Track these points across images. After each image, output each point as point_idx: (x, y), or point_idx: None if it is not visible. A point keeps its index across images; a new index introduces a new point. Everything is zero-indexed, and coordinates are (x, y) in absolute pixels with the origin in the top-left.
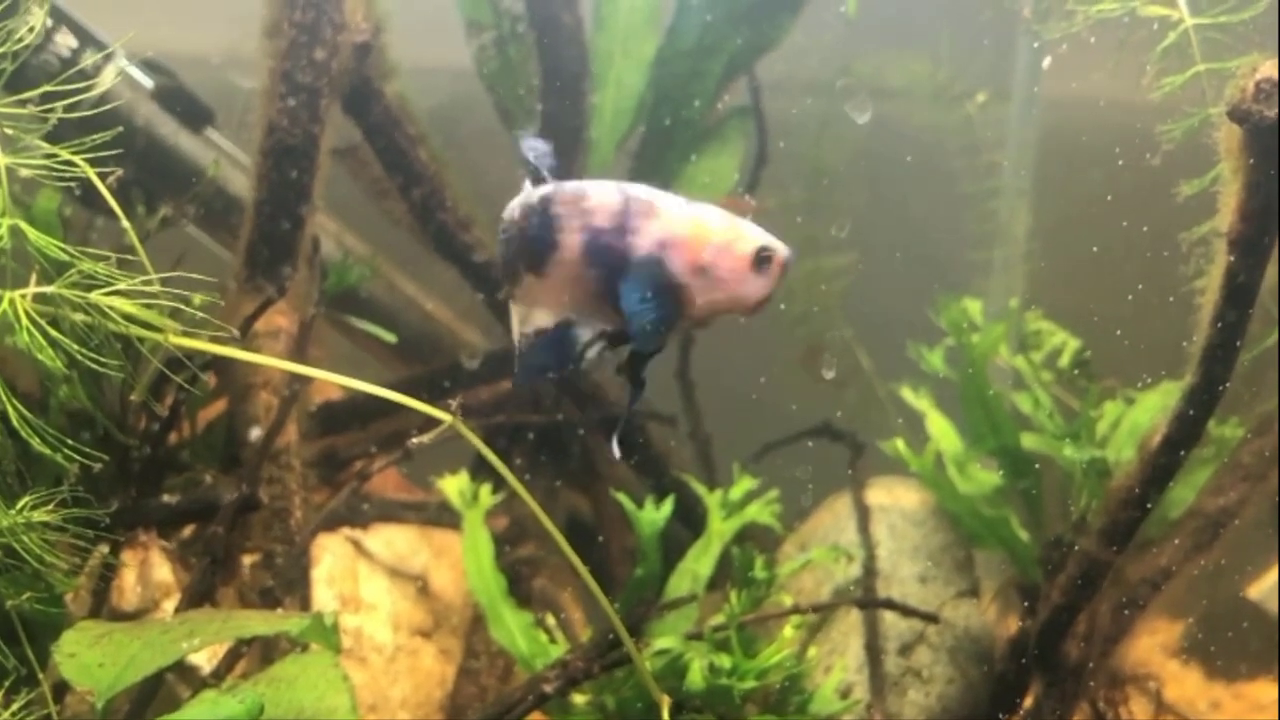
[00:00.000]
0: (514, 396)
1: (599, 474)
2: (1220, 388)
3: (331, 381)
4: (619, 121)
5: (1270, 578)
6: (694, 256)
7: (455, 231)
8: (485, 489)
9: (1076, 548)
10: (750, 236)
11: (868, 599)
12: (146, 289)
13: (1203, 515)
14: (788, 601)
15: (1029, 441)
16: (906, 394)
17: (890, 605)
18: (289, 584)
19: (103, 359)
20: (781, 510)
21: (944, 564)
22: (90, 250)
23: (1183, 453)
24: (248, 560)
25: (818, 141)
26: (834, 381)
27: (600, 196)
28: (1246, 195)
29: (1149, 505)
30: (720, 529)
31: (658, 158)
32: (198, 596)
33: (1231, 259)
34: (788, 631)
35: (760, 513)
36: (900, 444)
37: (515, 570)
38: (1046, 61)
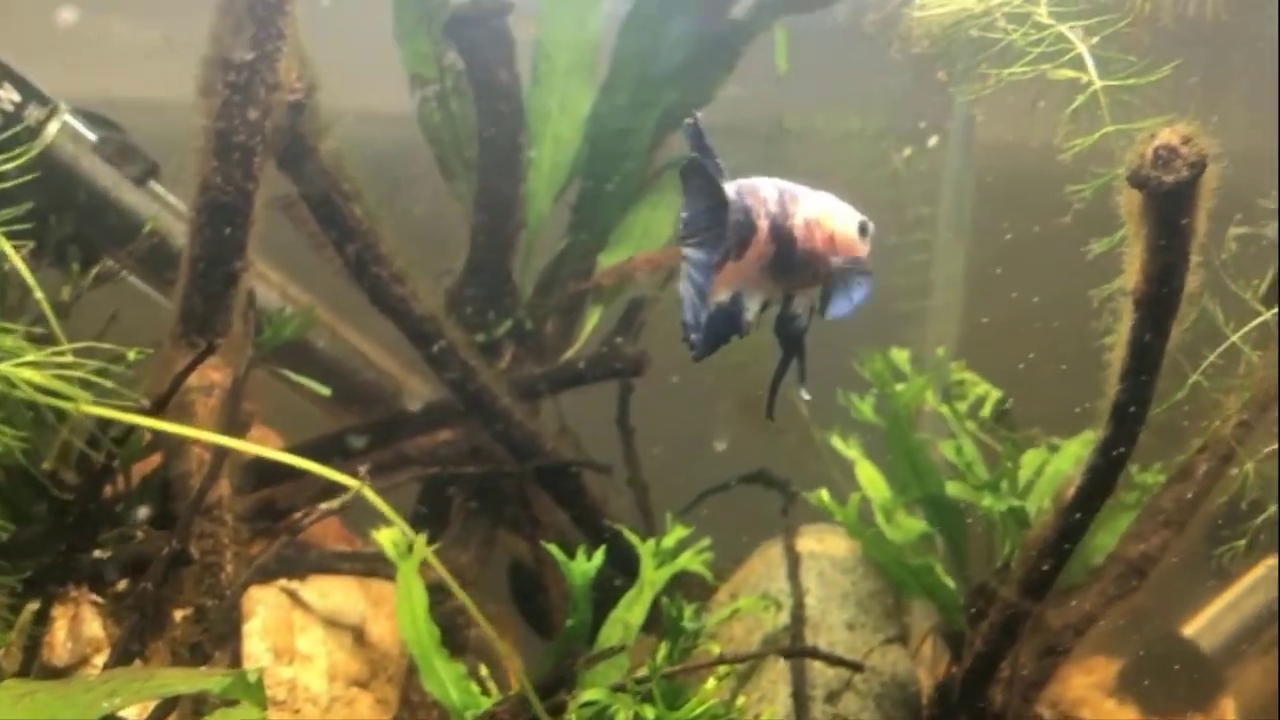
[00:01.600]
0: (453, 445)
1: (539, 521)
2: (1131, 442)
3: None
4: (556, 175)
5: (1205, 615)
6: (832, 230)
7: (390, 285)
8: (420, 539)
9: (998, 596)
10: (850, 210)
11: (792, 648)
12: (58, 359)
13: (1125, 561)
14: (716, 650)
15: (953, 490)
16: (836, 442)
17: (815, 654)
18: (220, 638)
19: (12, 429)
20: (718, 557)
21: (872, 611)
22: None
23: (1096, 504)
24: (179, 615)
25: None
26: (773, 429)
27: (768, 188)
28: (1148, 257)
29: (1065, 555)
30: (652, 578)
31: (594, 210)
32: (127, 653)
33: (1137, 317)
34: (710, 683)
35: (692, 561)
36: (824, 494)
37: (451, 620)
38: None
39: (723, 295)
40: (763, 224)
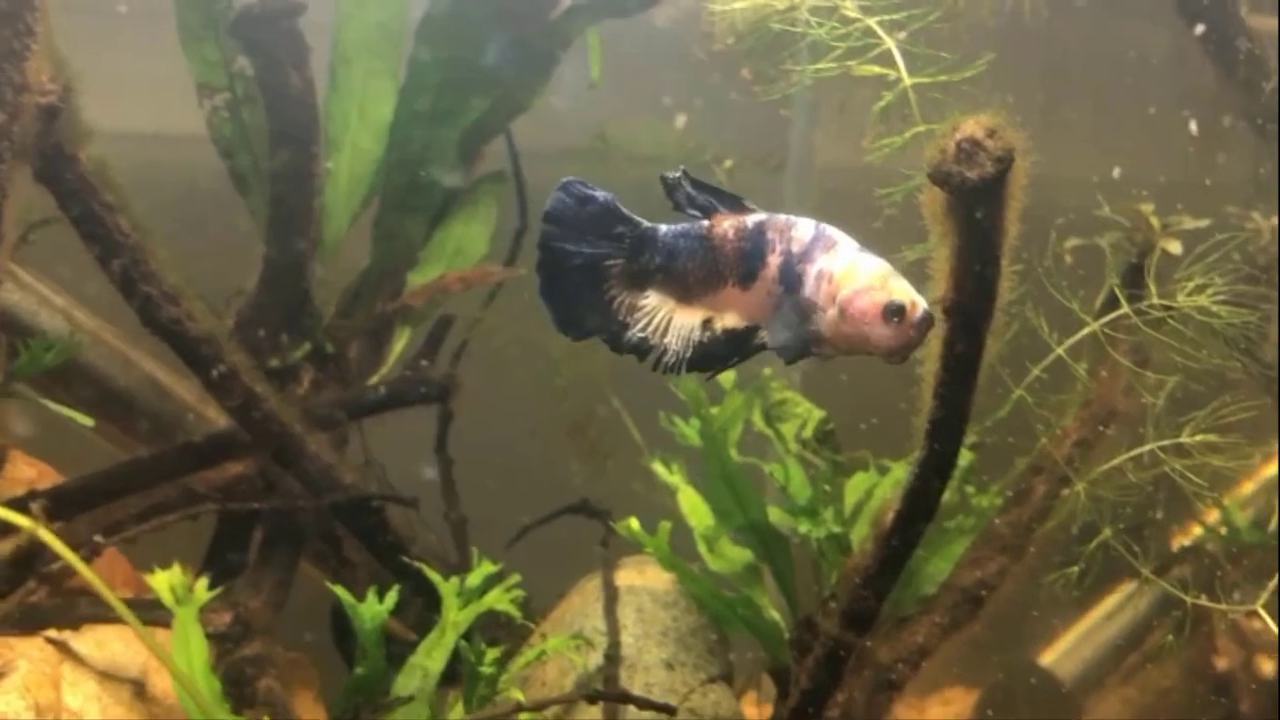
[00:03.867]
0: (247, 479)
1: (348, 560)
2: (949, 462)
3: None
4: (356, 187)
5: (1062, 644)
6: (835, 290)
7: (162, 304)
8: (201, 584)
9: (821, 629)
10: (891, 289)
11: (601, 692)
12: None
13: (959, 590)
14: (519, 697)
15: (774, 516)
16: (658, 468)
17: (622, 698)
18: None
19: None
20: (545, 593)
21: (694, 648)
22: None
23: (917, 529)
24: None
25: None
26: (601, 455)
27: (801, 228)
28: (956, 262)
29: (888, 584)
30: (455, 619)
31: (397, 225)
32: None
33: (948, 327)
34: None
35: (500, 600)
36: (634, 523)
37: (240, 670)
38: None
39: (732, 321)
40: (773, 260)
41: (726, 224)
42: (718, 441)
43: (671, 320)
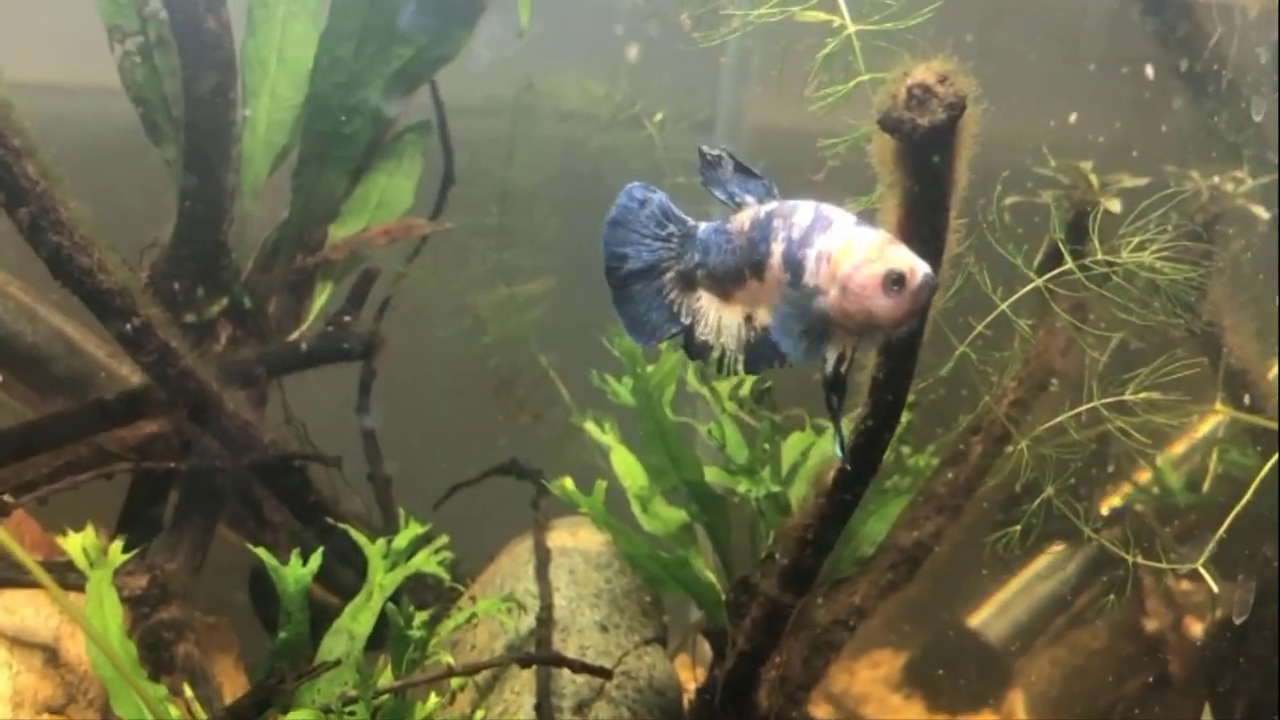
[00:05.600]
0: (163, 438)
1: (269, 522)
2: (892, 419)
3: None
4: (274, 135)
5: (990, 606)
6: (835, 270)
7: (73, 254)
8: (115, 546)
9: (760, 590)
10: (889, 258)
11: (533, 655)
12: None
13: (897, 550)
14: (449, 661)
15: (710, 475)
16: (590, 427)
17: (558, 661)
18: None
19: None
20: (476, 555)
21: (628, 610)
22: None
23: (859, 488)
24: None
25: (508, 163)
26: (530, 414)
27: (800, 213)
28: (905, 212)
29: (828, 544)
30: (382, 581)
31: (318, 175)
32: None
33: None
34: (433, 699)
35: (427, 562)
36: (568, 483)
37: (157, 635)
38: (754, 90)
39: (764, 318)
40: (776, 248)
41: (744, 214)
42: (653, 400)
43: (721, 319)
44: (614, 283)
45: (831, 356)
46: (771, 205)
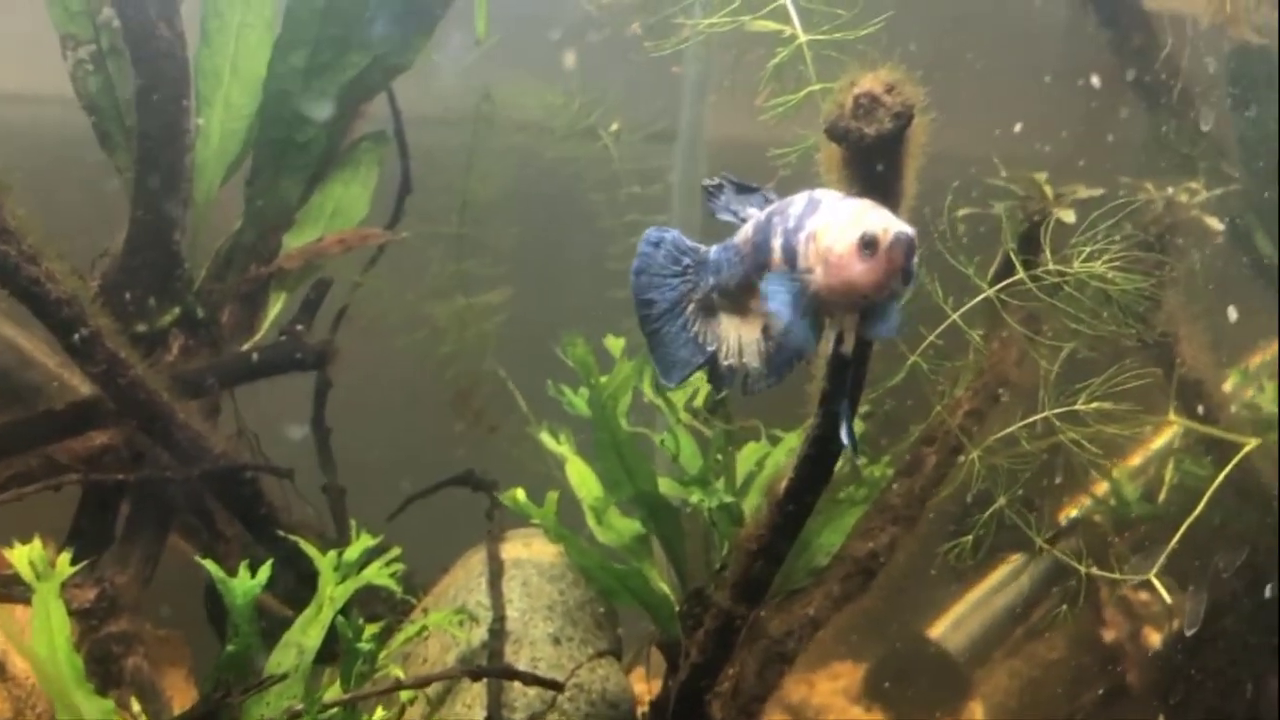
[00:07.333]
0: (112, 449)
1: (221, 534)
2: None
3: None
4: (228, 144)
5: (950, 617)
6: (818, 245)
7: (20, 264)
8: (63, 558)
9: (713, 601)
10: (863, 222)
11: (484, 668)
12: None
13: (852, 560)
14: (398, 674)
15: (664, 486)
16: (545, 438)
17: (507, 674)
18: None
19: None
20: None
21: (581, 622)
22: None
23: (811, 498)
24: None
25: (467, 174)
26: (486, 425)
27: (795, 204)
28: None
29: (781, 554)
30: (333, 594)
31: (272, 184)
32: None
33: None
34: (379, 712)
35: (379, 574)
36: (520, 494)
37: (106, 648)
38: (710, 102)
39: (761, 326)
40: (776, 244)
41: (748, 225)
42: (607, 410)
43: (741, 338)
44: (647, 329)
45: (831, 336)
46: (771, 206)
